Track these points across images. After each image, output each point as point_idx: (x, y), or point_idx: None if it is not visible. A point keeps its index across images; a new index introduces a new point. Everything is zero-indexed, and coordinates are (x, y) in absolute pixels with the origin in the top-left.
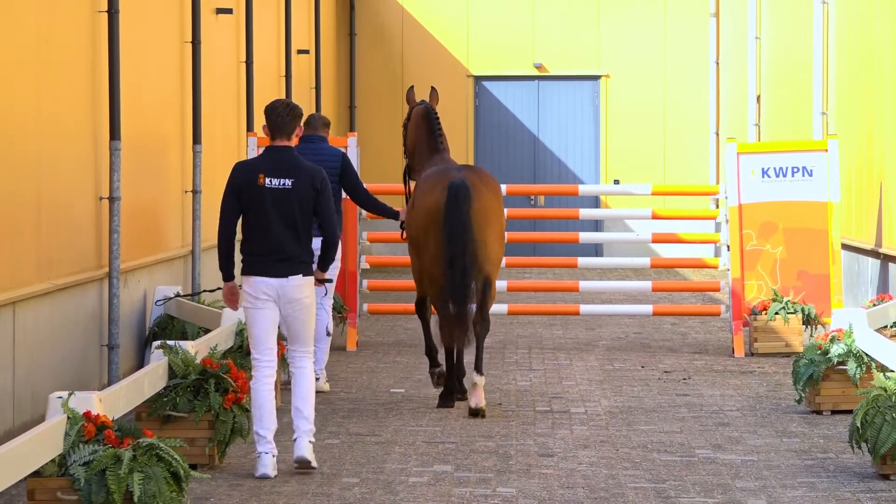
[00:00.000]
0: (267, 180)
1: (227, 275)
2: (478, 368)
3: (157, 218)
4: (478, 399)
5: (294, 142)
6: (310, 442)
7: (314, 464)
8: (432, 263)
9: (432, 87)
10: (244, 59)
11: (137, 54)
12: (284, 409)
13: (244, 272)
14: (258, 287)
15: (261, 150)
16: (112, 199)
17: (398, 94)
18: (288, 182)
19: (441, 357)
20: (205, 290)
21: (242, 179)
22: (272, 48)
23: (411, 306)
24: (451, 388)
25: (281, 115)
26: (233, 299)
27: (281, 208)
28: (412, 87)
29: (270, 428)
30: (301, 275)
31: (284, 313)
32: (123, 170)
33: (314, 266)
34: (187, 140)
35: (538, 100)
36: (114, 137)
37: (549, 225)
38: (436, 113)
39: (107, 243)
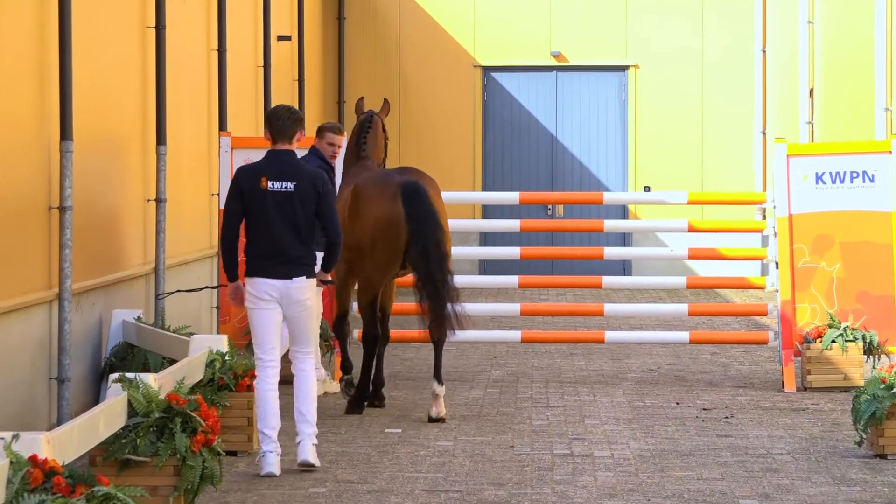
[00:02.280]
0: (269, 183)
1: (232, 275)
2: (438, 378)
3: (116, 231)
4: (438, 409)
5: (295, 146)
6: (313, 445)
7: (317, 464)
8: (379, 270)
9: (385, 100)
10: (216, 47)
11: (92, 42)
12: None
13: (248, 273)
14: (261, 288)
15: (235, 153)
16: (63, 209)
17: (395, 87)
18: (290, 185)
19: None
20: (206, 287)
21: (246, 183)
22: (248, 34)
23: (407, 332)
24: (365, 394)
25: (282, 118)
26: (238, 298)
27: (283, 211)
28: (362, 97)
29: (275, 427)
30: (304, 276)
31: (287, 315)
32: (76, 175)
33: (317, 268)
34: (150, 141)
35: (556, 94)
36: (65, 138)
37: (569, 239)
38: (371, 121)
39: (57, 260)
